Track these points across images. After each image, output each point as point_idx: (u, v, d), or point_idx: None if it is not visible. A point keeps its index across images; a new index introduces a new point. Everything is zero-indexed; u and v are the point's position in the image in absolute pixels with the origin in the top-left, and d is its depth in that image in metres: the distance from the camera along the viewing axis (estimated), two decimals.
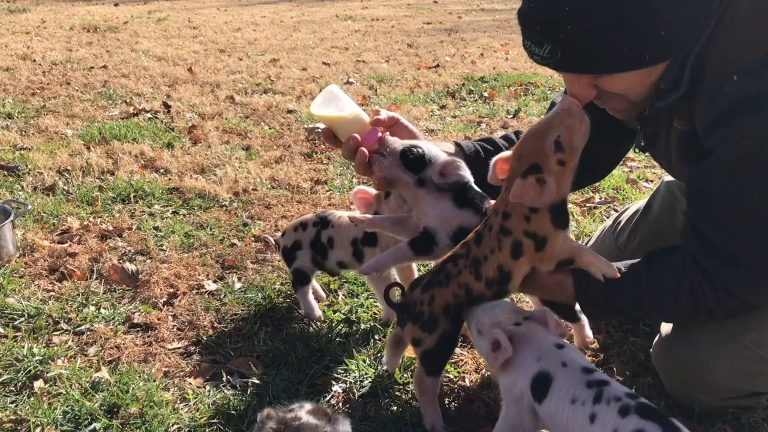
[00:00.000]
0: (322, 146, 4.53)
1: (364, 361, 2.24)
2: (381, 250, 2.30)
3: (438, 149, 2.03)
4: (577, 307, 2.11)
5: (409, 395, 2.08)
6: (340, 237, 2.45)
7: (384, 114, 2.07)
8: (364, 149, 1.98)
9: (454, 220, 1.97)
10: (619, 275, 1.78)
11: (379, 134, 2.02)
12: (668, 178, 2.53)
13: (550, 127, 1.73)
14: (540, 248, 1.77)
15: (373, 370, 2.19)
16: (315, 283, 2.68)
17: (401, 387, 2.12)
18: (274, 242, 2.66)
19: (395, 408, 2.03)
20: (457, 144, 2.23)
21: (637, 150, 2.08)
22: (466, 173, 1.96)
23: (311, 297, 2.55)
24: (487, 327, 1.74)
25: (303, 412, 1.52)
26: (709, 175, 1.69)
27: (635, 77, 1.68)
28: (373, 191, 2.32)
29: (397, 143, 2.00)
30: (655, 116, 1.87)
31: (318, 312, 2.52)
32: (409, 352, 2.17)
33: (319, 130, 4.77)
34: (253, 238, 3.18)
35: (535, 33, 1.64)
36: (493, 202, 1.97)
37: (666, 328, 1.99)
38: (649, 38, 1.58)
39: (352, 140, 2.00)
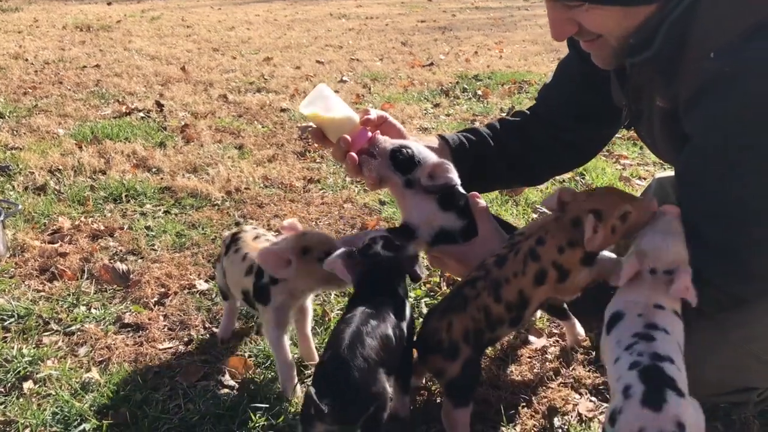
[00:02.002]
0: (315, 145, 4.52)
1: None
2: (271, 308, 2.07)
3: (427, 150, 2.03)
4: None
5: None
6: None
7: (374, 114, 2.07)
8: (353, 154, 1.98)
9: (436, 221, 1.97)
10: None
11: (369, 134, 2.02)
12: (660, 174, 2.54)
13: (631, 200, 1.74)
14: (561, 280, 1.77)
15: None
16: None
17: None
18: None
19: None
20: (441, 137, 2.23)
21: (624, 128, 2.12)
22: (455, 176, 1.96)
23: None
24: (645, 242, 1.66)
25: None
26: (690, 163, 1.72)
27: (611, 16, 1.70)
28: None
29: (387, 143, 2.00)
30: (637, 92, 1.89)
31: (223, 334, 2.38)
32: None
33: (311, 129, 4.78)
34: None
35: None
36: (476, 196, 1.98)
37: None
38: None
39: (342, 141, 1.99)
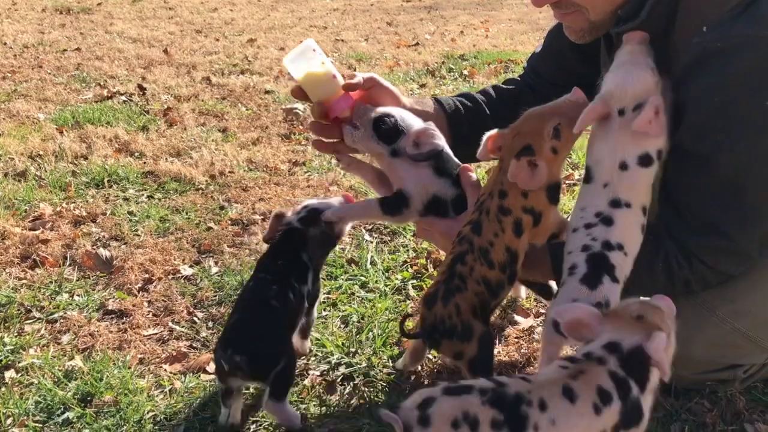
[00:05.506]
0: (300, 127, 4.48)
1: (343, 344, 2.22)
2: None
3: (411, 116, 1.97)
4: (553, 284, 2.10)
5: (385, 378, 2.07)
6: None
7: (359, 77, 1.99)
8: (335, 143, 1.96)
9: (431, 188, 1.93)
10: None
11: (353, 99, 1.96)
12: None
13: (553, 113, 1.73)
14: (537, 223, 1.78)
15: (351, 354, 2.17)
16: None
17: (378, 371, 2.11)
18: None
19: (372, 391, 2.02)
20: (436, 100, 2.20)
21: None
22: (441, 141, 1.91)
23: None
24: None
25: None
26: (679, 140, 1.69)
27: None
28: None
29: (369, 112, 1.94)
30: None
31: None
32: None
33: (298, 111, 4.72)
34: (229, 222, 3.13)
35: None
36: (468, 169, 1.96)
37: None
38: None
39: (317, 106, 1.94)
